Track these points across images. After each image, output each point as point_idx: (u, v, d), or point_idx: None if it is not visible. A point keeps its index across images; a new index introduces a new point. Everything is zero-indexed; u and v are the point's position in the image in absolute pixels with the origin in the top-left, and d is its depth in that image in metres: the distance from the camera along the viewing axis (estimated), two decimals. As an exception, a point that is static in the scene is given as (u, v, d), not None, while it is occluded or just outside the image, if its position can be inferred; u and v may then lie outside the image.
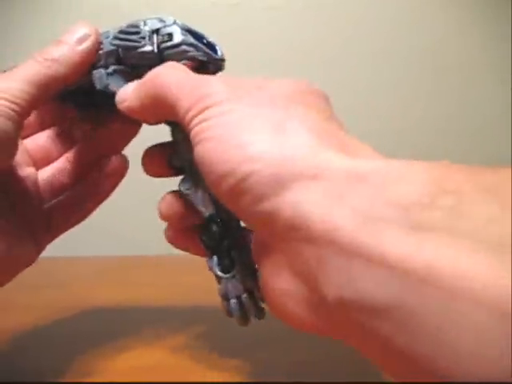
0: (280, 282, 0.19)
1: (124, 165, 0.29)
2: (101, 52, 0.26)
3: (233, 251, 0.25)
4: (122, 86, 0.26)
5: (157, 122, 0.25)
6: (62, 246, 0.56)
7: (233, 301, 0.25)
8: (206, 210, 0.25)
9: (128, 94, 0.24)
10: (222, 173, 0.18)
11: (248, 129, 0.18)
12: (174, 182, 0.26)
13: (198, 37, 0.26)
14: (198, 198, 0.25)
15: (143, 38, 0.25)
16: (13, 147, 0.24)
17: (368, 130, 0.68)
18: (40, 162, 0.29)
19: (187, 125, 0.20)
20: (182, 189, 0.25)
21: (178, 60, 0.25)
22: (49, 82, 0.24)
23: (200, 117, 0.19)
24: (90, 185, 0.29)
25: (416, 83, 0.67)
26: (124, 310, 0.32)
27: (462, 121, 0.67)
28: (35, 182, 0.28)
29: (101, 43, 0.26)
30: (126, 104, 0.24)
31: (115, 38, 0.26)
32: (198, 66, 0.25)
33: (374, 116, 0.67)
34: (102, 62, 0.26)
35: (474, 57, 0.67)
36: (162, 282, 0.45)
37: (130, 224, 0.62)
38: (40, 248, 0.27)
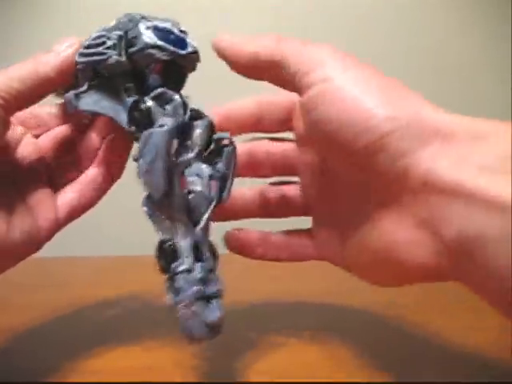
0: (404, 232, 0.21)
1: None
2: (76, 70, 0.26)
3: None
4: (97, 103, 0.26)
5: (250, 76, 0.25)
6: (61, 246, 0.56)
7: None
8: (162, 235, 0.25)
9: (237, 41, 0.25)
10: (362, 129, 0.20)
11: (377, 91, 0.20)
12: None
13: (166, 33, 0.25)
14: (159, 222, 0.25)
15: (109, 47, 0.25)
16: None
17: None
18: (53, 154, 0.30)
19: (304, 87, 0.22)
20: (144, 208, 0.25)
21: (146, 63, 0.25)
22: (37, 82, 0.25)
23: (321, 81, 0.21)
24: (99, 170, 0.29)
25: (416, 83, 0.67)
26: (123, 310, 0.32)
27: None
28: (45, 170, 0.29)
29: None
30: (230, 50, 0.25)
31: (81, 54, 0.26)
32: (166, 65, 0.26)
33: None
34: (78, 80, 0.26)
35: (474, 57, 0.67)
36: (161, 282, 0.45)
37: (128, 224, 0.62)
38: (45, 238, 0.27)
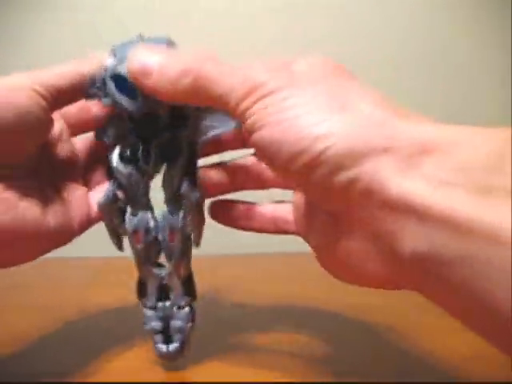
0: (355, 244, 0.21)
1: None
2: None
3: None
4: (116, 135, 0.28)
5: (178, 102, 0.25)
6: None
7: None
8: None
9: (154, 70, 0.23)
10: (296, 151, 0.19)
11: (314, 109, 0.20)
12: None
13: (122, 83, 0.25)
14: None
15: (99, 89, 0.26)
16: (38, 135, 0.25)
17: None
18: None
19: (241, 114, 0.21)
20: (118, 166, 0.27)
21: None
22: (79, 80, 0.25)
23: (257, 106, 0.21)
24: None
25: (416, 83, 0.67)
26: (123, 310, 0.32)
27: (462, 121, 0.67)
28: (80, 172, 0.30)
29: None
30: (151, 81, 0.23)
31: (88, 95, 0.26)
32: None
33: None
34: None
35: (474, 58, 0.67)
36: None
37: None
38: (77, 232, 0.28)
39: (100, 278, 0.50)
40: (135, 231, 0.28)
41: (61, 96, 0.25)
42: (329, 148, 0.19)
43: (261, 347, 0.33)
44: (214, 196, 0.30)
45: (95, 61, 0.26)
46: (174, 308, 0.29)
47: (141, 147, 0.27)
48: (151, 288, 0.29)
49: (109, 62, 0.25)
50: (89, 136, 0.30)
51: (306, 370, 0.29)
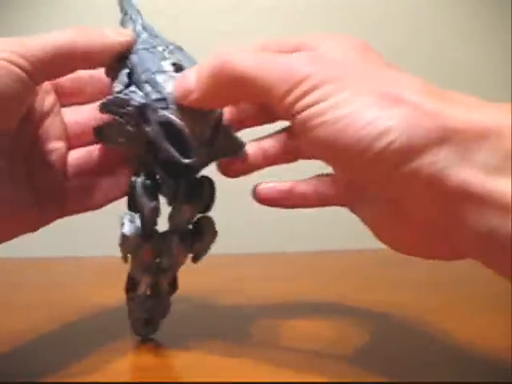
0: (413, 225, 0.22)
1: None
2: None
3: None
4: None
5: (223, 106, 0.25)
6: (61, 247, 0.56)
7: None
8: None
9: (192, 84, 0.23)
10: (358, 149, 0.20)
11: (368, 103, 0.20)
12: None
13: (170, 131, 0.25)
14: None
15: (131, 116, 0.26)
16: (14, 110, 0.23)
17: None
18: (75, 140, 0.29)
19: (286, 110, 0.21)
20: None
21: None
22: (73, 54, 0.23)
23: (305, 101, 0.20)
24: (116, 175, 0.28)
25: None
26: (123, 310, 0.32)
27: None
28: (62, 158, 0.28)
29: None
30: (193, 96, 0.23)
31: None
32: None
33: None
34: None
35: (474, 57, 0.67)
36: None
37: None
38: (45, 221, 0.27)
39: (100, 278, 0.50)
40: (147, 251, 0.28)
41: (47, 67, 0.23)
42: (391, 143, 0.19)
43: (264, 346, 0.32)
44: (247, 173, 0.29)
45: (97, 34, 0.24)
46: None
47: (170, 182, 0.26)
48: (143, 286, 0.30)
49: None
50: (85, 120, 0.28)
51: (309, 368, 0.29)
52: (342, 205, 0.27)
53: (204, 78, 0.22)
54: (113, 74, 0.26)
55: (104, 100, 0.25)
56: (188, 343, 0.33)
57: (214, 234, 0.29)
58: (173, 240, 0.28)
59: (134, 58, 0.25)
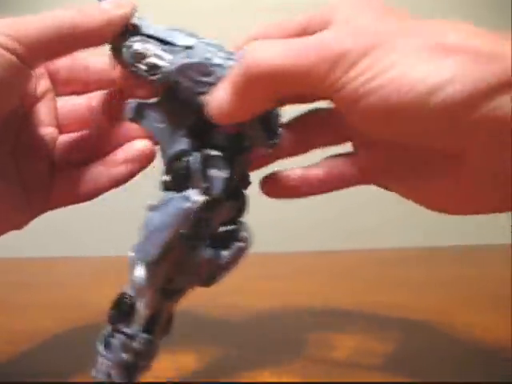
0: (465, 180, 0.21)
1: (149, 154, 0.26)
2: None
3: None
4: (157, 123, 0.23)
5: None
6: (61, 246, 0.56)
7: None
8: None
9: (224, 100, 0.21)
10: (416, 106, 0.19)
11: (418, 61, 0.19)
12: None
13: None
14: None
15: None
16: (4, 98, 0.22)
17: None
18: (66, 127, 0.27)
19: (330, 88, 0.20)
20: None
21: None
22: (71, 34, 0.22)
23: (351, 74, 0.19)
24: (106, 164, 0.26)
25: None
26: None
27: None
28: (50, 144, 0.26)
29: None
30: (227, 114, 0.22)
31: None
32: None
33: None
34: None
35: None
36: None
37: (128, 224, 0.62)
38: (33, 215, 0.25)
39: (100, 278, 0.50)
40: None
41: (44, 50, 0.21)
42: (453, 93, 0.18)
43: (264, 346, 0.33)
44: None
45: (95, 10, 0.22)
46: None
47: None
48: (144, 315, 0.24)
49: None
50: (78, 108, 0.27)
51: (310, 367, 0.29)
52: (365, 183, 0.25)
53: (235, 90, 0.21)
54: (116, 50, 0.24)
55: (184, 62, 0.22)
56: (187, 343, 0.33)
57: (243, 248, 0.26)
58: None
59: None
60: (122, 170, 0.26)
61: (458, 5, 0.67)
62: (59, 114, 0.27)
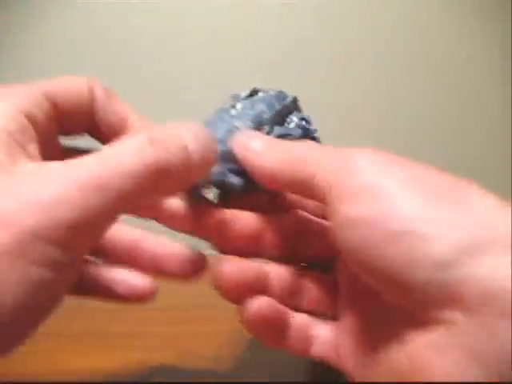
0: (445, 363, 0.16)
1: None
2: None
3: None
4: None
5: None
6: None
7: None
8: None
9: (268, 154, 0.21)
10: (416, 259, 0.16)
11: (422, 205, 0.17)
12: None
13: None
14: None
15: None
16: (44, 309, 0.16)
17: (369, 128, 0.67)
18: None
19: (332, 200, 0.18)
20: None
21: None
22: (137, 189, 0.16)
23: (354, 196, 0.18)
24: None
25: (416, 84, 0.67)
26: (122, 309, 0.32)
27: (462, 121, 0.67)
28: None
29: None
30: (264, 166, 0.21)
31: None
32: None
33: (375, 115, 0.67)
34: None
35: (474, 58, 0.67)
36: (161, 280, 0.45)
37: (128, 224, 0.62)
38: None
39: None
40: None
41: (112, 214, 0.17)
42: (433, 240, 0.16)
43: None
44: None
45: (177, 153, 0.18)
46: None
47: None
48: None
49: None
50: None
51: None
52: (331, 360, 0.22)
53: (282, 159, 0.21)
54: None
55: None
56: (189, 342, 0.33)
57: None
58: None
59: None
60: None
61: (458, 5, 0.67)
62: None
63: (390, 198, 0.17)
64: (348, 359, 0.21)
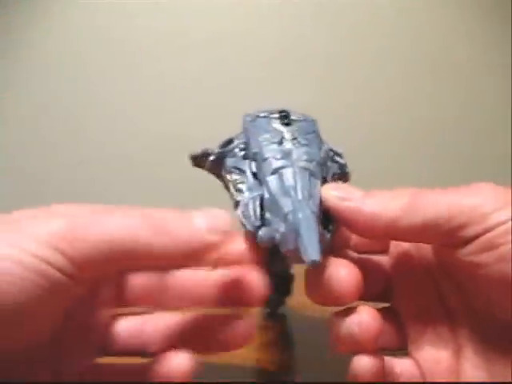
0: None
1: None
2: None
3: None
4: None
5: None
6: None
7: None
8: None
9: (363, 197, 0.20)
10: None
11: None
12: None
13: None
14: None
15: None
16: (45, 320, 0.17)
17: (369, 128, 0.67)
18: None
19: (469, 240, 0.19)
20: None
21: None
22: (138, 252, 0.17)
23: (487, 236, 0.18)
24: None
25: (416, 84, 0.66)
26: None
27: (462, 122, 0.67)
28: (104, 328, 0.22)
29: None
30: (356, 204, 0.20)
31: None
32: None
33: (374, 115, 0.66)
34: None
35: (474, 59, 0.67)
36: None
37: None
38: None
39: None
40: None
41: (99, 270, 0.17)
42: None
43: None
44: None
45: (186, 237, 0.18)
46: None
47: None
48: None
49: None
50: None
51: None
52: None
53: (404, 205, 0.20)
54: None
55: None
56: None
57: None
58: None
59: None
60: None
61: (458, 5, 0.66)
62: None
63: None
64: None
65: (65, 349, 0.20)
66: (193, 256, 0.18)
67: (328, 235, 0.20)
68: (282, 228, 0.19)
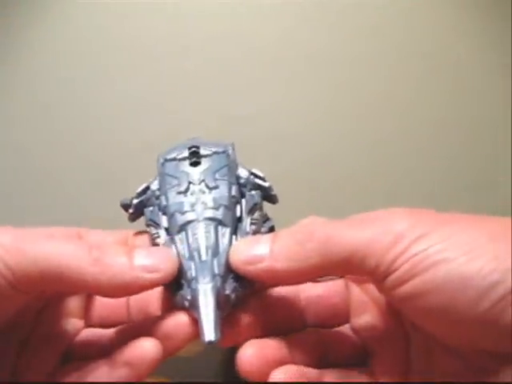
0: None
1: (155, 357, 0.21)
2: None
3: None
4: None
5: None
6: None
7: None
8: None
9: (265, 251, 0.20)
10: (475, 296, 0.18)
11: (474, 256, 0.18)
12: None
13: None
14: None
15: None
16: None
17: (368, 128, 0.67)
18: (101, 320, 0.24)
19: (387, 268, 0.19)
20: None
21: None
22: (76, 281, 0.19)
23: (406, 255, 0.19)
24: (110, 363, 0.22)
25: (416, 85, 0.67)
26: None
27: (462, 122, 0.67)
28: (69, 336, 0.24)
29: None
30: (264, 265, 0.20)
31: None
32: None
33: (373, 115, 0.67)
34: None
35: (475, 59, 0.67)
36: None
37: (127, 226, 0.62)
38: None
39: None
40: None
41: (38, 286, 0.20)
42: (505, 296, 0.17)
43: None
44: None
45: (122, 273, 0.19)
46: None
47: None
48: None
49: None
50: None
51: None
52: None
53: (287, 243, 0.20)
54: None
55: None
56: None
57: None
58: None
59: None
60: (122, 373, 0.21)
61: (458, 5, 0.66)
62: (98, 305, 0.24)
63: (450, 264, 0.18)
64: None
65: (27, 352, 0.22)
66: (126, 291, 0.20)
67: (239, 291, 0.20)
68: (188, 296, 0.20)
